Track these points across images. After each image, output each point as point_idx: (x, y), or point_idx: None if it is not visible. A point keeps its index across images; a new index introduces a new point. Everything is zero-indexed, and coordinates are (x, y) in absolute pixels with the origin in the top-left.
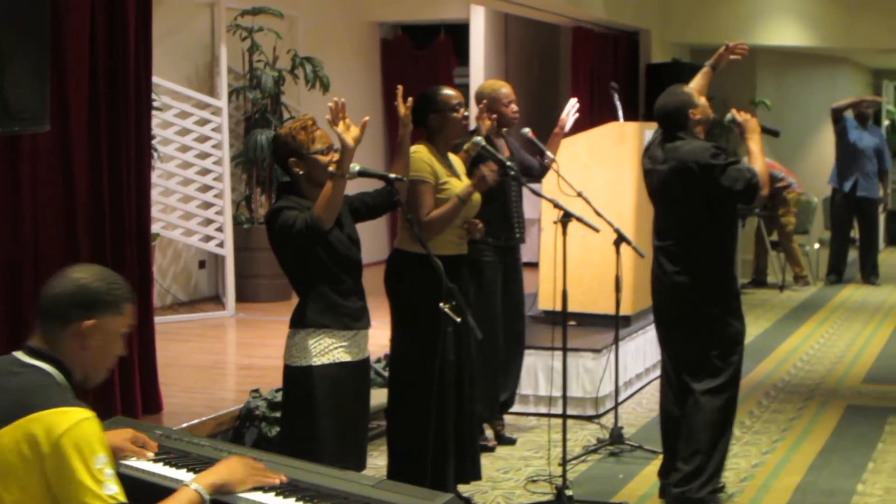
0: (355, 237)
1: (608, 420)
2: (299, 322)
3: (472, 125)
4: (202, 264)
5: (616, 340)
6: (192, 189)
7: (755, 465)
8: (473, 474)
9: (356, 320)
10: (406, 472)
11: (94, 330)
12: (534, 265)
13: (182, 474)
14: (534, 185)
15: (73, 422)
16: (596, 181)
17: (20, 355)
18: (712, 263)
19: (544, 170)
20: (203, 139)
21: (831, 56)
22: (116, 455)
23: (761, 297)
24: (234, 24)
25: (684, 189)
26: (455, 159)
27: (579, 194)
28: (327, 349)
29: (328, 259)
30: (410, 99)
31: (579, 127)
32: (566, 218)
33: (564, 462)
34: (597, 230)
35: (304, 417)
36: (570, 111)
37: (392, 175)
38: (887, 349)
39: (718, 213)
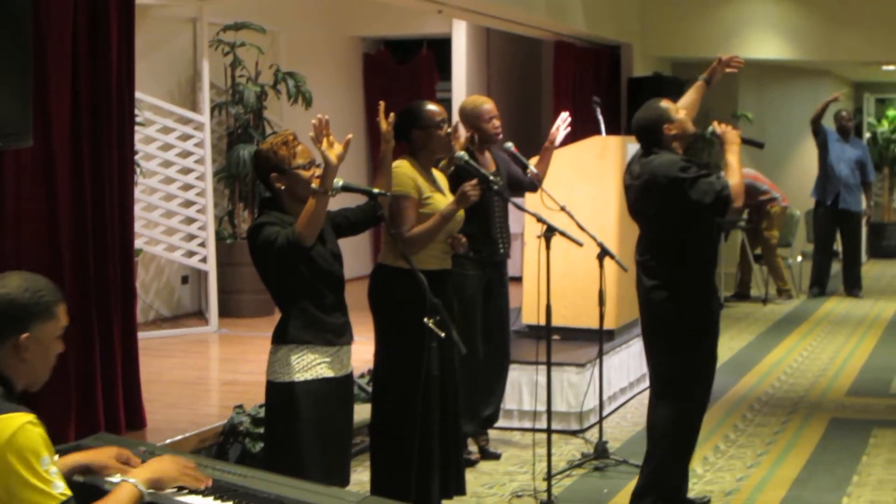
0: (338, 253)
1: (593, 434)
2: (281, 338)
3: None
4: (185, 280)
5: (600, 354)
6: (174, 204)
7: (740, 479)
8: (458, 489)
9: (339, 336)
10: (390, 487)
11: (29, 342)
12: (517, 279)
13: None
14: (517, 200)
15: (15, 428)
16: (579, 195)
17: None
18: (688, 278)
19: (534, 183)
20: (185, 154)
21: (812, 69)
22: (101, 472)
23: (744, 311)
24: (216, 39)
25: (656, 204)
26: (438, 175)
27: (562, 208)
28: (310, 365)
29: (310, 275)
30: (392, 115)
31: (562, 141)
32: (550, 232)
33: (549, 477)
34: (580, 244)
35: (288, 433)
36: (562, 125)
37: (375, 190)
38: (871, 362)
39: (692, 227)
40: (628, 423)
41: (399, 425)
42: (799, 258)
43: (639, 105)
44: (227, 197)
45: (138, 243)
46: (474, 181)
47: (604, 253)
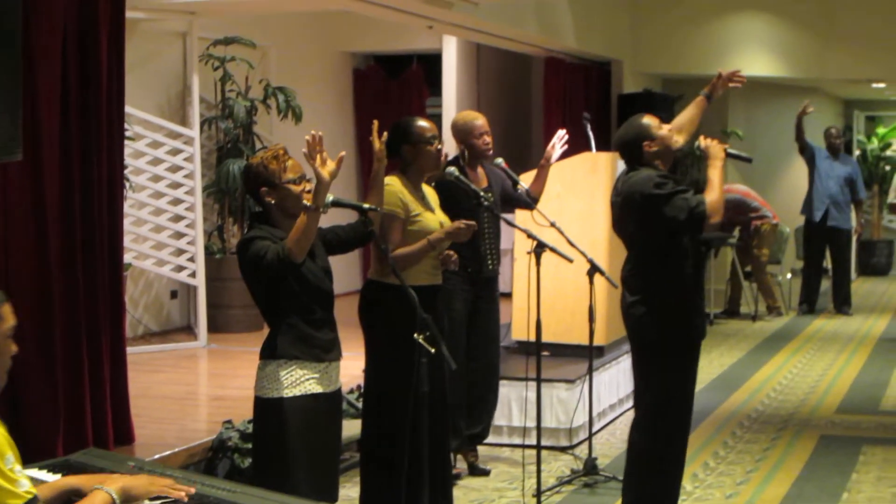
0: (328, 268)
1: (582, 451)
2: (270, 353)
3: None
4: (174, 294)
5: (590, 371)
6: (164, 219)
7: (729, 496)
8: None
9: (327, 352)
10: (380, 503)
11: None
12: (507, 295)
13: None
14: (507, 216)
15: None
16: (569, 211)
17: None
18: (667, 295)
19: (532, 199)
20: (175, 169)
21: (802, 86)
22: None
23: (734, 328)
24: (206, 53)
25: (634, 220)
26: (429, 191)
27: (552, 224)
28: (299, 381)
29: (300, 290)
30: (385, 134)
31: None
32: (540, 248)
33: (539, 493)
34: (570, 260)
35: (276, 449)
36: (558, 143)
37: (366, 205)
38: (860, 379)
39: (671, 244)
40: (618, 439)
41: (389, 441)
42: (788, 275)
43: None
44: (217, 212)
45: (127, 258)
46: (469, 223)
47: (594, 269)
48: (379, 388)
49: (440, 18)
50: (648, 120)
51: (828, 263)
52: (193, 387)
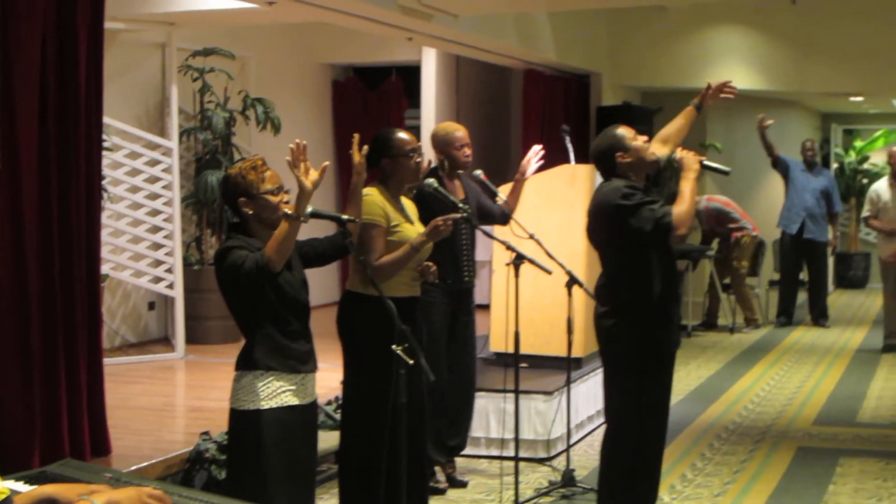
0: (304, 280)
1: (560, 462)
2: (246, 364)
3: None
4: (152, 305)
5: (568, 382)
6: (141, 230)
7: None
8: None
9: (303, 363)
10: None
11: None
12: (485, 307)
13: None
14: (486, 227)
15: None
16: (548, 223)
17: None
18: (637, 307)
19: (505, 214)
20: (153, 180)
21: (781, 100)
22: None
23: (712, 340)
24: (185, 64)
25: (603, 231)
26: (407, 203)
27: (531, 236)
28: (275, 392)
29: (276, 301)
30: (366, 147)
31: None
32: (518, 260)
33: None
34: (549, 272)
35: (253, 461)
36: (533, 158)
37: (345, 216)
38: (837, 391)
39: (639, 255)
40: (595, 451)
41: (367, 452)
42: (766, 288)
43: None
44: (195, 223)
45: (105, 268)
46: (447, 216)
47: (572, 281)
48: (357, 399)
49: (420, 30)
50: (622, 131)
51: (805, 276)
52: (171, 398)
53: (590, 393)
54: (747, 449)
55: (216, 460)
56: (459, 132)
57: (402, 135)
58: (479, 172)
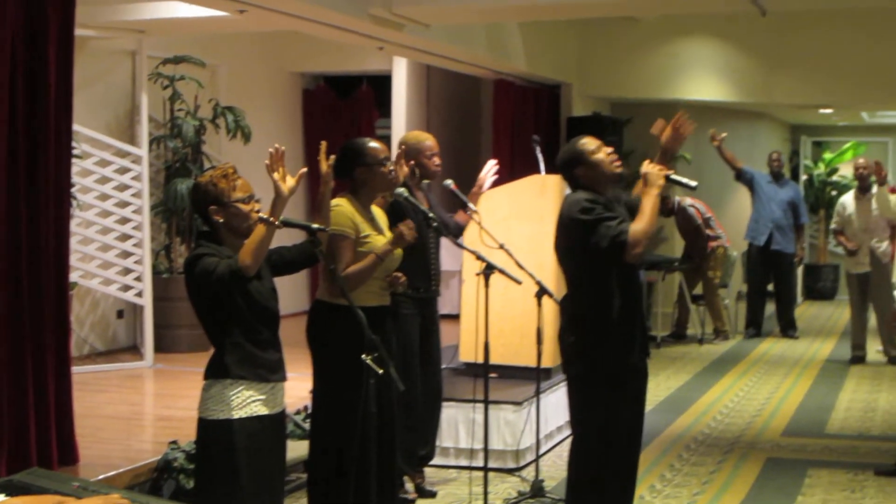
0: (274, 288)
1: (529, 473)
2: (216, 372)
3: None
4: (120, 314)
5: (537, 393)
6: (111, 238)
7: None
8: None
9: (273, 372)
10: None
11: None
12: (455, 317)
13: None
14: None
15: None
16: (517, 233)
17: None
18: (597, 323)
19: (460, 229)
20: (123, 188)
21: (750, 111)
22: None
23: (681, 351)
24: (155, 72)
25: (563, 244)
26: (378, 212)
27: (501, 246)
28: (245, 402)
29: (246, 309)
30: (333, 157)
31: (500, 179)
32: (488, 270)
33: None
34: (519, 282)
35: (222, 471)
36: (489, 172)
37: (315, 225)
38: (806, 402)
39: (599, 269)
40: (565, 461)
41: (336, 462)
42: (735, 299)
43: None
44: (164, 231)
45: (74, 276)
46: (411, 223)
47: (542, 291)
48: (327, 408)
49: (391, 40)
50: (585, 144)
51: (773, 287)
52: (139, 407)
53: (559, 403)
54: (716, 460)
55: (184, 469)
56: (429, 141)
57: (374, 143)
58: (449, 182)
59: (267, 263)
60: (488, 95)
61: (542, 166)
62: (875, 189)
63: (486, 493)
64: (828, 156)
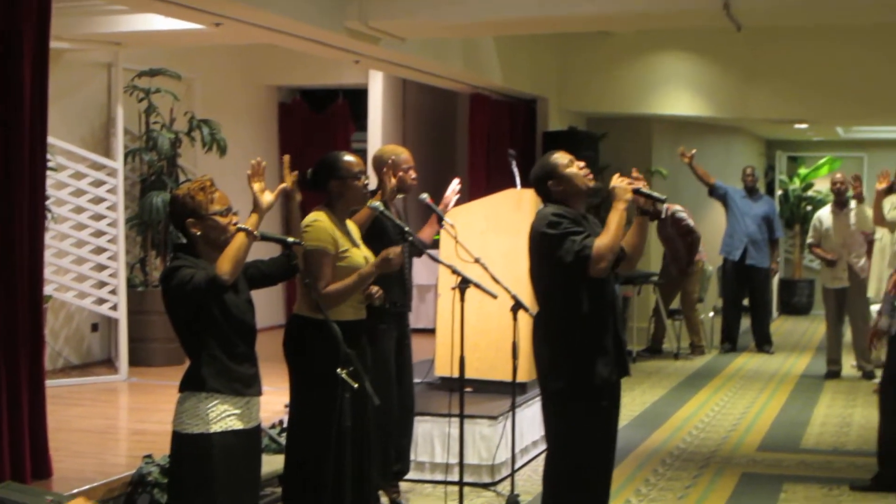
0: (251, 301)
1: (504, 487)
2: (191, 385)
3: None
4: (95, 327)
5: (513, 407)
6: (85, 251)
7: None
8: None
9: (248, 387)
10: None
11: None
12: (430, 331)
13: None
14: (432, 251)
15: None
16: (493, 247)
17: None
18: (567, 337)
19: (425, 244)
20: (98, 200)
21: (726, 126)
22: None
23: (656, 365)
24: (130, 84)
25: (533, 258)
26: (352, 226)
27: (477, 260)
28: (220, 416)
29: (223, 322)
30: (296, 172)
31: (477, 193)
32: (464, 284)
33: None
34: (494, 296)
35: (197, 485)
36: (453, 191)
37: (290, 239)
38: (781, 417)
39: (569, 284)
40: (540, 476)
41: (311, 476)
42: (711, 314)
43: None
44: (140, 244)
45: (48, 289)
46: (398, 250)
47: (517, 306)
48: (302, 422)
49: (367, 53)
50: (557, 158)
51: (748, 302)
52: (113, 420)
53: (535, 418)
54: (692, 475)
55: (159, 483)
56: (404, 154)
57: (349, 157)
58: (424, 196)
59: (244, 276)
60: (464, 109)
61: (517, 180)
62: (853, 204)
63: None
64: (803, 171)
